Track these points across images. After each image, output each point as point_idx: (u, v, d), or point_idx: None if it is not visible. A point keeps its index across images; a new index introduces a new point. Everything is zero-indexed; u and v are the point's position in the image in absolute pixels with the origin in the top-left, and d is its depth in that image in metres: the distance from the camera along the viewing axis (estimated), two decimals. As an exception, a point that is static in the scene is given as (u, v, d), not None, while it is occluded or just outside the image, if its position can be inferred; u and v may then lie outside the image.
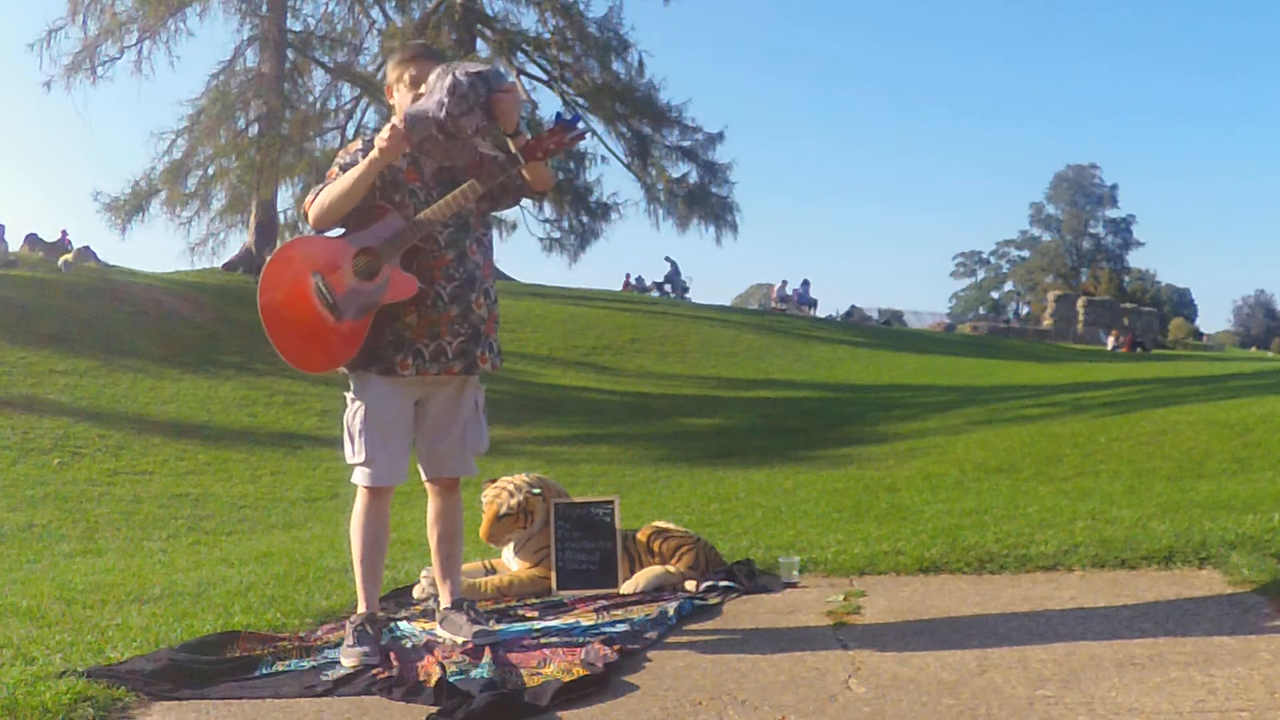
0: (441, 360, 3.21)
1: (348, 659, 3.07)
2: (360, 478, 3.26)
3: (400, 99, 3.30)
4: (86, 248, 22.73)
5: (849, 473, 9.00)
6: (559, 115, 3.29)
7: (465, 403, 3.35)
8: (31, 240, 23.42)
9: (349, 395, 3.28)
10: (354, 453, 3.25)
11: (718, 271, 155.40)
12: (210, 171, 23.51)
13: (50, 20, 24.17)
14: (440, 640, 3.28)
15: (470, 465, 3.42)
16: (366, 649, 3.08)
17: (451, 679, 2.84)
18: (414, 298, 3.14)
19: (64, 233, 23.68)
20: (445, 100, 3.08)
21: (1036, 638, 3.07)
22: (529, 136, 3.23)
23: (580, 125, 3.26)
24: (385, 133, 3.15)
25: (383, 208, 3.20)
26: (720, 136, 26.42)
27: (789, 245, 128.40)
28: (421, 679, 2.90)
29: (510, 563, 4.20)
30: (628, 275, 35.38)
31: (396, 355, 3.18)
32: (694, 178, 26.46)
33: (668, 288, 33.67)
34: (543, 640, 3.25)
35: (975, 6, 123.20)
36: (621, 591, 3.94)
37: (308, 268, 3.18)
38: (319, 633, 3.50)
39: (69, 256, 21.09)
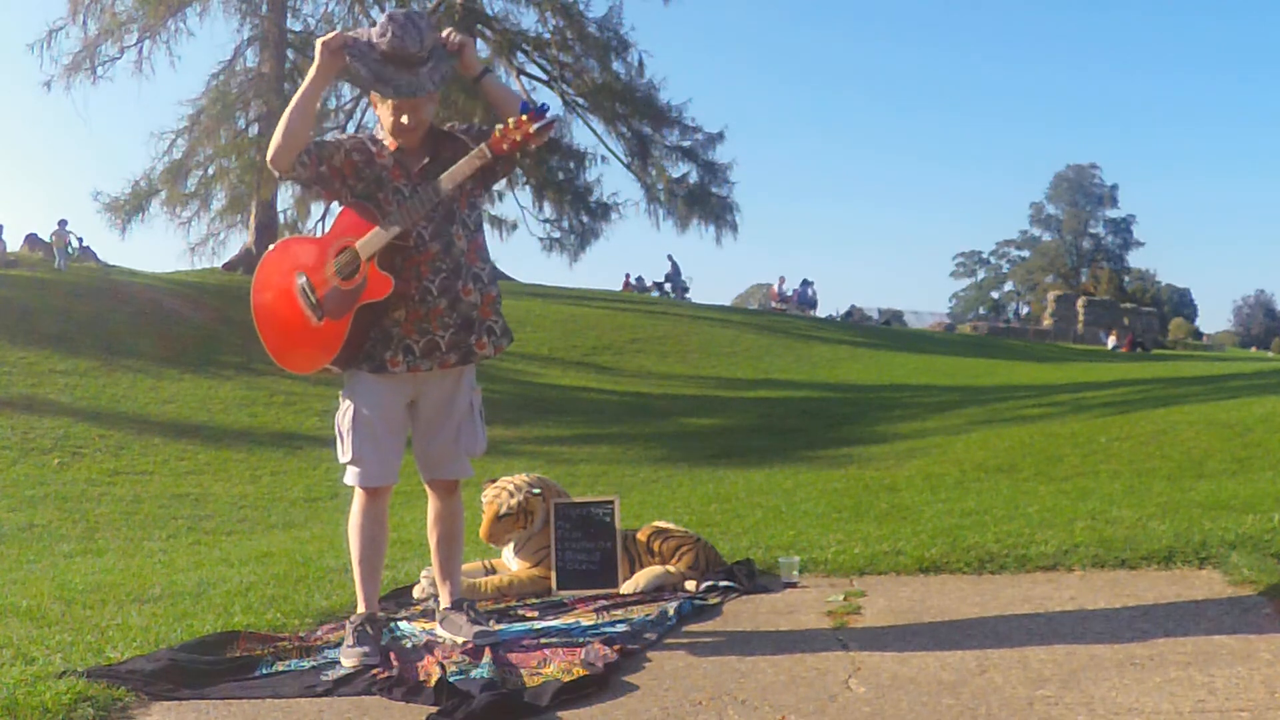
0: (435, 355, 3.18)
1: (348, 659, 3.07)
2: (350, 477, 3.26)
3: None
4: (86, 247, 22.75)
5: (849, 473, 9.00)
6: (525, 105, 3.06)
7: (459, 404, 3.32)
8: (31, 240, 23.42)
9: (341, 394, 3.28)
10: (343, 452, 3.24)
11: (718, 271, 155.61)
12: (210, 171, 23.55)
13: (50, 20, 24.24)
14: (440, 640, 3.28)
15: (465, 467, 3.38)
16: (366, 649, 3.08)
17: (451, 679, 2.84)
18: (401, 294, 3.11)
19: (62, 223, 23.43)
20: (387, 29, 3.09)
21: (1036, 638, 3.07)
22: (496, 86, 3.21)
23: (550, 113, 3.11)
24: (316, 51, 3.18)
25: (364, 207, 3.16)
26: (720, 136, 26.46)
27: (789, 245, 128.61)
28: (421, 679, 2.90)
29: (510, 563, 4.20)
30: (628, 275, 35.41)
31: (386, 352, 3.17)
32: (694, 178, 26.49)
33: (668, 287, 33.68)
34: (543, 640, 3.25)
35: (975, 6, 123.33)
36: (621, 591, 3.93)
37: (294, 268, 3.19)
38: (319, 633, 3.50)
39: (57, 233, 21.20)
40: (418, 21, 3.13)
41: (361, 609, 3.25)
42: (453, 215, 3.20)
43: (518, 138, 3.06)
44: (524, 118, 3.05)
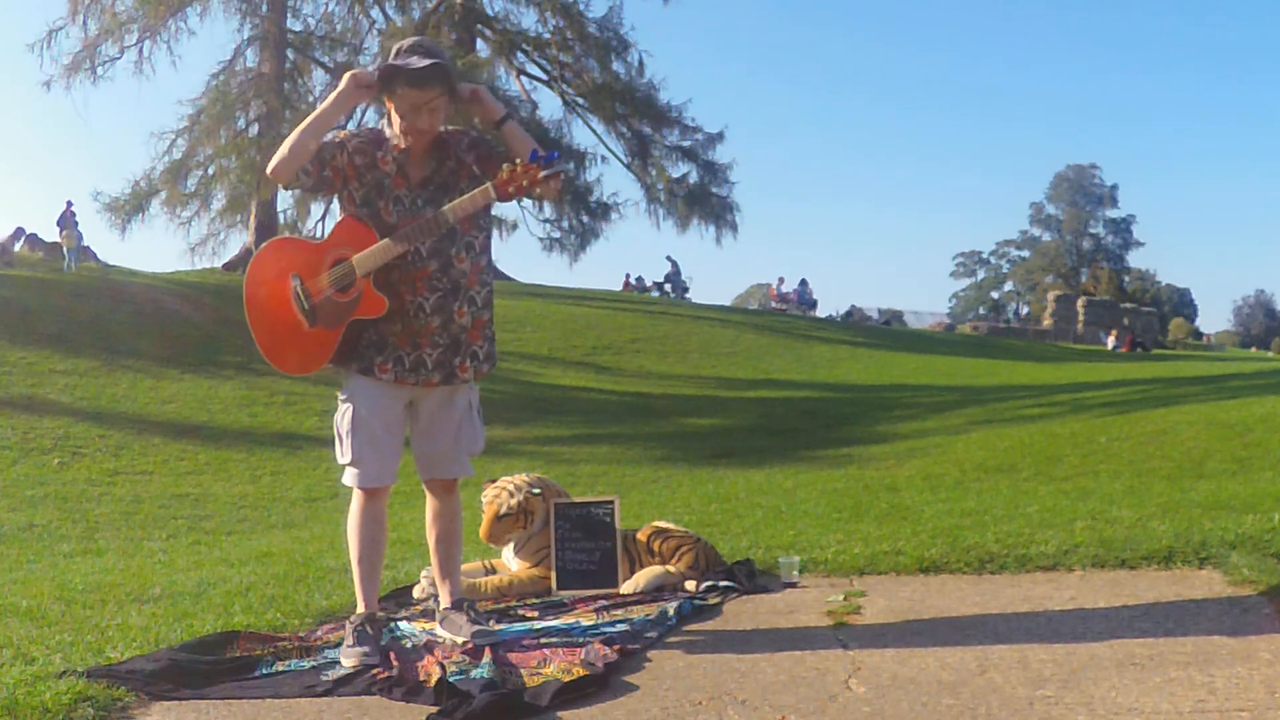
0: (421, 371, 3.20)
1: (348, 659, 3.07)
2: (349, 478, 3.27)
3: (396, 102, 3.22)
4: (87, 247, 22.72)
5: (849, 473, 8.99)
6: (535, 153, 3.06)
7: (458, 404, 3.33)
8: (31, 240, 23.39)
9: (340, 395, 3.29)
10: (342, 453, 3.25)
11: (718, 271, 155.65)
12: (210, 171, 23.54)
13: (50, 20, 24.28)
14: (440, 640, 3.28)
15: (465, 466, 3.40)
16: (366, 649, 3.08)
17: (451, 679, 2.84)
18: (396, 308, 3.12)
19: (69, 204, 23.30)
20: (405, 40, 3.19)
21: (1036, 638, 3.07)
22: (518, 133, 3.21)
23: (558, 162, 3.09)
24: (344, 81, 3.19)
25: (361, 220, 3.16)
26: (720, 136, 26.43)
27: (789, 245, 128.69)
28: (421, 679, 2.90)
29: (510, 563, 4.20)
30: (628, 275, 35.43)
31: (377, 357, 3.19)
32: (694, 178, 26.46)
33: (668, 287, 33.68)
34: (543, 640, 3.25)
35: (975, 7, 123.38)
36: (621, 591, 3.94)
37: (289, 269, 3.19)
38: (319, 633, 3.50)
39: (66, 234, 21.19)
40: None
41: (361, 609, 3.25)
42: (455, 236, 3.20)
43: (524, 183, 3.04)
44: (534, 165, 3.03)
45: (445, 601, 3.40)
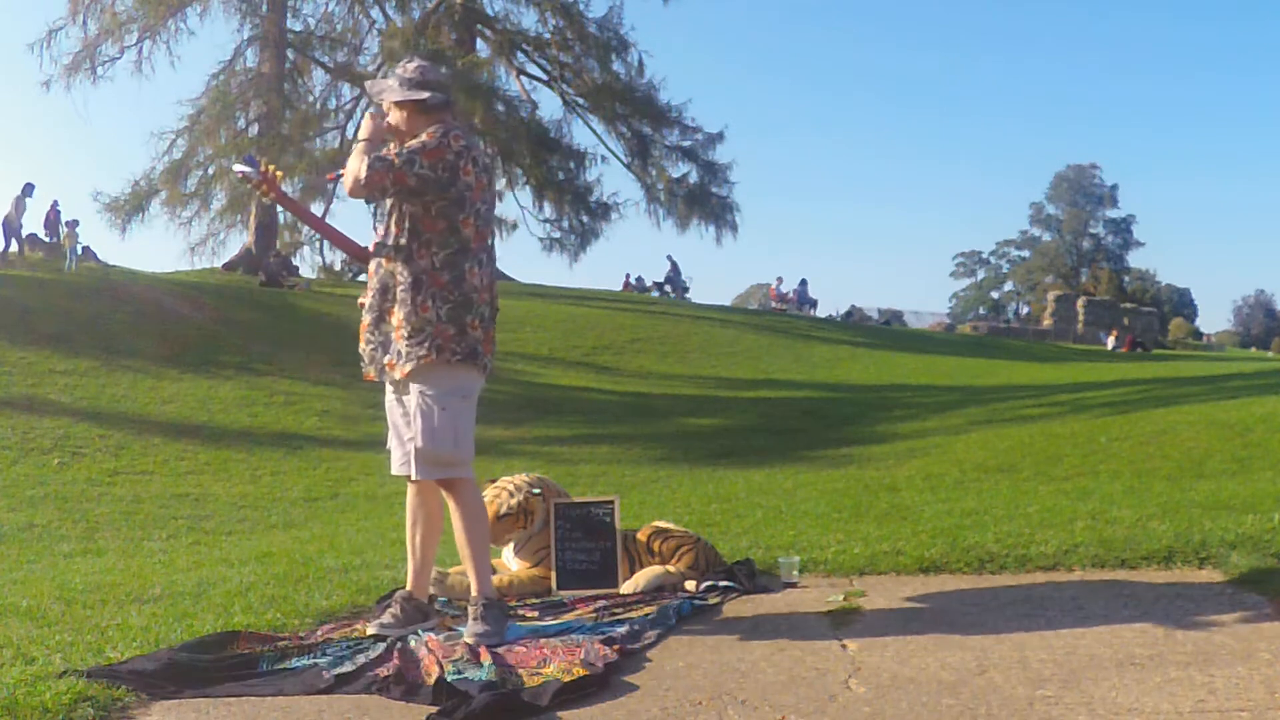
0: (361, 365, 3.44)
1: (370, 628, 3.37)
2: None
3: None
4: (87, 247, 22.69)
5: (849, 473, 9.00)
6: (249, 156, 3.61)
7: (405, 403, 3.35)
8: (31, 240, 23.36)
9: None
10: None
11: (718, 271, 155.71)
12: (210, 171, 23.55)
13: (50, 20, 24.31)
14: (439, 640, 3.29)
15: (415, 468, 3.29)
16: (385, 620, 3.36)
17: (451, 679, 2.84)
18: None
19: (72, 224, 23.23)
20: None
21: (1036, 638, 3.07)
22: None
23: (251, 171, 3.54)
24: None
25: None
26: (720, 136, 26.49)
27: (788, 245, 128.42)
28: (421, 679, 2.90)
29: (510, 563, 4.20)
30: (628, 275, 35.40)
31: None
32: (694, 178, 26.51)
33: (668, 288, 33.67)
34: (543, 640, 3.25)
35: (975, 6, 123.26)
36: (621, 591, 3.94)
37: None
38: (319, 633, 3.50)
39: (67, 234, 21.25)
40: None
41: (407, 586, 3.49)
42: (387, 238, 3.35)
43: (265, 188, 3.59)
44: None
45: (474, 592, 3.35)
